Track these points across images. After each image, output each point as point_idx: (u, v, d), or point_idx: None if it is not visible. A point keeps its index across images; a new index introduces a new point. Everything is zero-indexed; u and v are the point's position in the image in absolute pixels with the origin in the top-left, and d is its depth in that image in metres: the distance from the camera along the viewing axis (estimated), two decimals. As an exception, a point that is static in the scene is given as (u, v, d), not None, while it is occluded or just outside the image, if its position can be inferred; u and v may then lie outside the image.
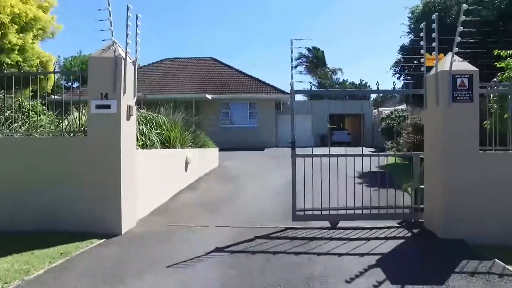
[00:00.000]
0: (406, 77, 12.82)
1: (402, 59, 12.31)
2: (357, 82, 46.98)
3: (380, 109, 25.61)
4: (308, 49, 42.19)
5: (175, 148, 8.50)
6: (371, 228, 5.45)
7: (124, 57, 4.80)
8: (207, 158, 11.27)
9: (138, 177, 5.36)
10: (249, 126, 22.85)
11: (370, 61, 76.68)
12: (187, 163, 8.43)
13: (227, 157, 15.96)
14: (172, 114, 10.67)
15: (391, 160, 14.89)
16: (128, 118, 4.91)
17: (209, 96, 21.39)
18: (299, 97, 61.48)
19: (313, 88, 43.94)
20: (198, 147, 11.16)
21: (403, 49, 11.77)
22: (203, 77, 24.87)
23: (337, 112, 26.19)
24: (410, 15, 12.81)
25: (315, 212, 5.65)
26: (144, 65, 27.44)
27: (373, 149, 20.81)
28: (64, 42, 62.69)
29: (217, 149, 13.21)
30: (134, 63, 5.17)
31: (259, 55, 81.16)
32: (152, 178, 6.25)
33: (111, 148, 4.68)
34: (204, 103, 22.47)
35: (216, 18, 79.53)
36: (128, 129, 4.98)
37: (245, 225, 5.55)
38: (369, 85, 47.14)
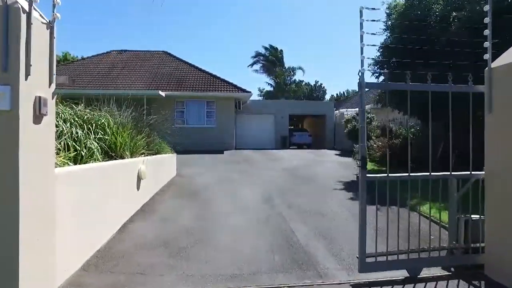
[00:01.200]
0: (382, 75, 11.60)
1: (381, 57, 11.04)
2: (312, 83, 46.62)
3: (341, 110, 24.75)
4: (266, 48, 40.84)
5: (124, 158, 6.30)
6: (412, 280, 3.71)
7: (29, 10, 2.59)
8: (163, 167, 9.09)
9: (61, 211, 3.22)
10: (206, 127, 20.68)
11: (330, 62, 77.62)
12: (139, 179, 6.26)
13: (185, 163, 13.75)
14: (119, 113, 8.43)
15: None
16: (37, 120, 2.75)
17: (162, 93, 18.90)
18: (255, 96, 60.12)
19: (268, 88, 43.12)
20: (153, 154, 8.95)
21: (386, 48, 10.48)
22: (155, 72, 22.22)
23: (297, 113, 24.90)
24: (388, 11, 11.62)
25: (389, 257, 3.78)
26: (87, 56, 24.19)
27: (337, 152, 19.80)
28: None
29: (174, 155, 11.03)
30: (49, 25, 2.96)
31: (215, 51, 78.64)
32: (88, 207, 4.08)
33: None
34: (157, 101, 19.86)
35: (168, 11, 75.63)
36: (38, 140, 2.82)
37: None
38: (323, 86, 47.03)
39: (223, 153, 18.14)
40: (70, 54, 31.61)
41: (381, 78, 11.84)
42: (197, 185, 9.02)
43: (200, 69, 22.92)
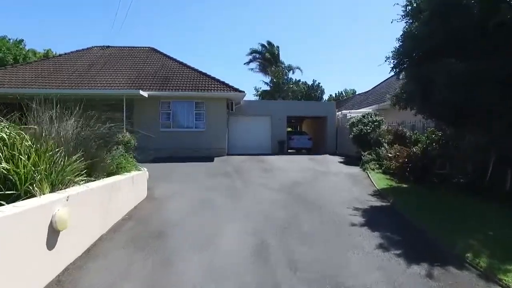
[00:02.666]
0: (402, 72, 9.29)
1: (401, 48, 8.72)
2: (309, 82, 44.26)
3: (343, 111, 22.44)
4: (262, 45, 38.45)
5: (33, 195, 3.99)
6: None
7: None
8: (121, 193, 6.72)
9: None
10: (195, 130, 18.34)
11: (326, 61, 75.23)
12: (55, 231, 3.94)
13: (165, 176, 11.48)
14: (58, 120, 6.24)
15: (377, 180, 11.47)
16: None
17: (144, 93, 16.54)
18: (251, 96, 57.61)
19: (264, 88, 40.78)
20: (106, 177, 6.64)
21: (411, 35, 8.13)
22: (139, 69, 19.83)
23: (296, 114, 22.57)
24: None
25: None
26: (65, 53, 21.77)
27: (340, 158, 17.53)
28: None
29: (144, 173, 8.69)
30: None
31: (206, 50, 76.15)
32: None
33: None
34: (140, 102, 17.59)
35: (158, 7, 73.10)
36: None
37: None
38: (321, 86, 44.72)
39: (213, 160, 15.85)
40: (52, 52, 29.15)
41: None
42: (166, 217, 6.70)
43: (188, 67, 20.56)
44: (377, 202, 7.88)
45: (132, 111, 18.20)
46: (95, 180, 5.83)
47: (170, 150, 17.71)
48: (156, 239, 5.34)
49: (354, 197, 8.29)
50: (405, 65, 8.70)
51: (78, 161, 5.30)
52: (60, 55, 21.65)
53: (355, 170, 12.84)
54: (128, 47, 22.73)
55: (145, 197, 8.36)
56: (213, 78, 19.36)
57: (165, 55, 21.97)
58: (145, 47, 22.87)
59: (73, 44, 75.30)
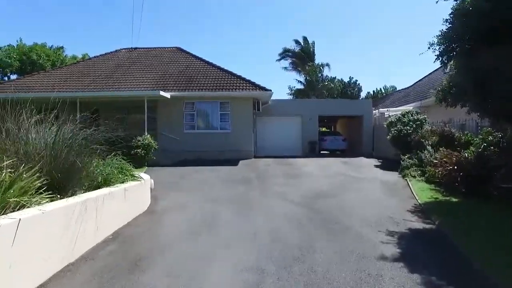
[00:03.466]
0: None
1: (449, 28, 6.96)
2: (345, 79, 41.93)
3: (381, 109, 20.40)
4: (296, 41, 36.73)
5: None
6: None
7: None
8: (104, 210, 5.62)
9: None
10: (220, 132, 17.32)
11: (364, 56, 71.90)
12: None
13: (178, 183, 10.49)
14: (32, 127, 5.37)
15: (419, 191, 9.66)
16: None
17: (165, 94, 15.77)
18: (281, 95, 56.11)
19: (298, 87, 39.11)
20: (90, 190, 5.68)
21: (464, 13, 6.39)
22: (164, 70, 19.20)
23: (329, 114, 20.85)
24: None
25: None
26: (94, 56, 21.69)
27: (377, 161, 15.67)
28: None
29: (144, 183, 7.64)
30: None
31: (237, 49, 75.62)
32: None
33: None
34: (164, 103, 16.89)
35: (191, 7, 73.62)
36: None
37: None
38: (358, 83, 42.21)
39: (237, 163, 14.70)
40: (88, 56, 29.57)
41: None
42: (156, 239, 5.60)
43: (214, 66, 19.61)
44: (418, 223, 6.24)
45: (156, 113, 17.59)
46: (63, 198, 4.86)
47: (194, 152, 16.85)
48: (131, 273, 4.21)
49: (389, 215, 6.70)
50: (455, 52, 6.93)
51: (34, 177, 4.32)
52: (89, 58, 21.58)
53: (393, 176, 11.07)
54: (155, 48, 22.27)
55: (145, 210, 7.33)
56: (239, 77, 18.25)
57: (191, 54, 21.22)
58: (172, 47, 22.28)
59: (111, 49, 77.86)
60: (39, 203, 4.37)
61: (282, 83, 77.97)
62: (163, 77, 18.36)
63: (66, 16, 62.89)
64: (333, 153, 20.48)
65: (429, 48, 7.37)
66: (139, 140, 14.35)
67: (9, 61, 22.94)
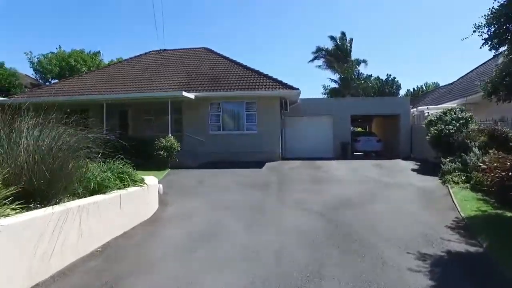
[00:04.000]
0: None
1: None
2: (383, 76, 39.63)
3: (420, 107, 18.67)
4: (331, 37, 35.14)
5: None
6: None
7: None
8: (91, 220, 5.03)
9: None
10: (246, 133, 16.61)
11: (403, 53, 68.36)
12: None
13: (194, 187, 9.93)
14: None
15: (463, 201, 8.34)
16: None
17: (188, 95, 15.34)
18: (315, 94, 54.35)
19: (333, 85, 37.53)
20: (82, 197, 5.18)
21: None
22: (190, 71, 18.88)
23: (362, 113, 19.40)
24: None
25: None
26: (125, 59, 21.89)
27: (415, 164, 14.17)
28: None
29: (149, 187, 7.07)
30: None
31: (270, 49, 74.74)
32: None
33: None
34: (189, 104, 16.52)
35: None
36: None
37: None
38: (397, 80, 39.77)
39: (262, 166, 13.92)
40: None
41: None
42: (146, 254, 4.95)
43: (240, 65, 18.98)
44: (459, 244, 5.07)
45: (182, 114, 17.28)
46: (44, 207, 4.36)
47: (220, 154, 16.31)
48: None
49: (423, 231, 5.57)
50: (509, 33, 5.65)
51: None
52: (119, 61, 21.84)
53: (432, 182, 9.71)
54: (183, 49, 22.08)
55: (148, 218, 6.76)
56: (265, 76, 17.46)
57: (218, 54, 20.75)
58: (199, 48, 21.96)
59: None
60: (7, 215, 3.88)
61: (315, 83, 75.84)
62: (188, 78, 18.04)
63: (102, 23, 65.51)
64: (367, 155, 19.07)
65: (474, 31, 6.14)
66: (162, 142, 14.03)
67: (50, 67, 23.94)
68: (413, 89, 42.29)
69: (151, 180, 7.90)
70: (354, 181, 10.40)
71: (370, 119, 24.49)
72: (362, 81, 33.51)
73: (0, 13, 48.72)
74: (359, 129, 29.47)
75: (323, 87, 37.94)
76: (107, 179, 5.91)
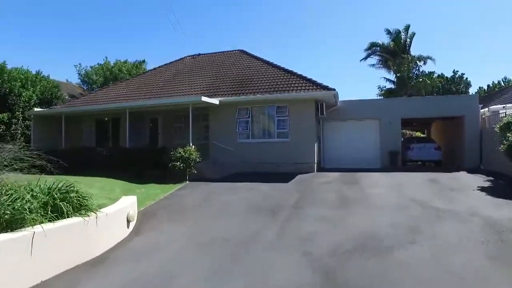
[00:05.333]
0: None
1: None
2: (448, 74, 34.56)
3: (492, 107, 14.97)
4: (388, 32, 31.41)
5: None
6: None
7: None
8: None
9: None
10: (277, 141, 14.60)
11: (466, 47, 60.69)
12: None
13: (195, 208, 8.27)
14: None
15: None
16: None
17: (212, 100, 13.85)
18: (360, 95, 49.71)
19: (389, 85, 33.59)
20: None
21: None
22: (221, 75, 17.44)
23: (416, 115, 16.13)
24: None
25: None
26: (159, 66, 21.28)
27: (484, 179, 10.90)
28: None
29: (109, 213, 5.48)
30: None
31: (319, 49, 71.20)
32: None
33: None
34: (215, 110, 15.06)
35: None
36: None
37: None
38: (466, 77, 34.44)
39: (290, 180, 11.85)
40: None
41: None
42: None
43: (273, 65, 17.07)
44: None
45: (209, 121, 15.88)
46: None
47: (248, 165, 14.54)
48: None
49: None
50: None
51: None
52: (154, 68, 21.28)
53: (510, 212, 6.81)
54: (217, 52, 20.81)
55: (93, 257, 5.14)
56: (298, 76, 15.35)
57: (252, 56, 19.07)
58: (235, 51, 20.50)
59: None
60: None
61: (370, 84, 69.91)
62: (215, 82, 16.61)
63: (146, 31, 67.93)
64: (422, 166, 15.84)
65: None
66: (179, 152, 12.65)
67: (95, 77, 24.50)
68: (488, 86, 36.19)
69: (123, 203, 6.38)
70: (393, 204, 7.82)
71: (428, 123, 20.74)
72: (421, 79, 29.26)
73: (59, 28, 52.98)
74: (418, 133, 25.63)
75: (378, 88, 34.18)
76: (23, 209, 4.40)
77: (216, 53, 20.99)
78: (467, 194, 8.79)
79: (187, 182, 12.44)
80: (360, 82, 70.05)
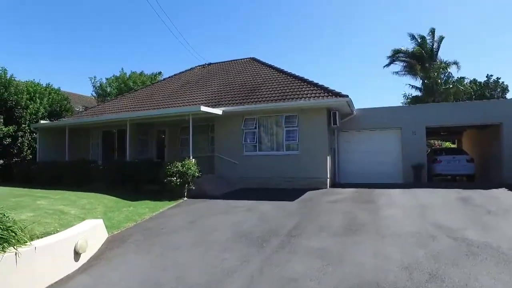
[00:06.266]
0: None
1: None
2: (481, 79, 31.79)
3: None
4: (412, 37, 29.57)
5: None
6: None
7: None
8: None
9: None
10: (285, 154, 13.23)
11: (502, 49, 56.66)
12: None
13: (174, 233, 7.05)
14: None
15: None
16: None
17: (214, 110, 12.77)
18: (379, 102, 46.72)
19: (415, 92, 31.35)
20: None
21: None
22: (228, 83, 16.40)
23: (443, 123, 14.17)
24: None
25: None
26: (169, 76, 20.60)
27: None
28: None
29: (40, 246, 4.34)
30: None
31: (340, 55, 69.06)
32: None
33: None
34: (220, 120, 14.00)
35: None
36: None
37: None
38: (502, 81, 31.55)
39: (296, 198, 10.47)
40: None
41: None
42: None
43: (284, 72, 15.83)
44: None
45: (213, 132, 14.81)
46: None
47: (254, 180, 13.32)
48: None
49: None
50: None
51: None
52: (164, 79, 20.62)
53: None
54: (228, 61, 19.85)
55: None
56: (310, 83, 14.01)
57: (264, 64, 17.93)
58: (246, 59, 19.47)
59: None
60: None
61: (393, 92, 66.09)
62: (221, 91, 15.56)
63: (163, 43, 68.60)
64: (451, 181, 13.86)
65: None
66: (176, 166, 11.55)
67: (109, 89, 24.27)
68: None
69: (74, 230, 5.28)
70: (412, 233, 6.21)
71: (459, 131, 18.50)
72: (452, 85, 26.90)
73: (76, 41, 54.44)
74: (447, 144, 23.27)
75: (403, 96, 31.99)
76: None
77: (226, 61, 20.05)
78: (510, 218, 7.02)
79: (185, 199, 11.33)
80: (383, 91, 67.07)
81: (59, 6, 58.56)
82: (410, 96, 32.09)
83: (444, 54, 47.59)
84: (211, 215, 8.66)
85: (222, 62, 20.07)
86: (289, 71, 15.78)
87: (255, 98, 13.88)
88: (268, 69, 16.85)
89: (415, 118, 13.76)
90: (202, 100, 14.95)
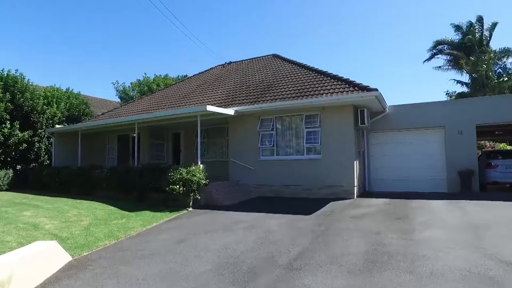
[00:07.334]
0: None
1: None
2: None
3: None
4: (457, 27, 26.53)
5: None
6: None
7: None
8: None
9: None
10: (306, 158, 11.55)
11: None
12: None
13: (153, 258, 5.58)
14: None
15: None
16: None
17: (225, 110, 11.43)
18: (417, 97, 41.98)
19: (460, 89, 27.90)
20: None
21: None
22: (244, 82, 15.03)
23: (497, 120, 11.52)
24: None
25: None
26: (189, 76, 19.66)
27: None
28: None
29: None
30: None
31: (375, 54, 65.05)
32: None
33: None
34: (236, 122, 12.66)
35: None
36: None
37: None
38: None
39: (315, 210, 8.87)
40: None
41: None
42: None
43: (304, 67, 14.16)
44: None
45: (227, 134, 13.48)
46: None
47: (271, 187, 11.83)
48: None
49: None
50: None
51: None
52: (182, 80, 19.68)
53: None
54: (249, 59, 18.48)
55: None
56: (333, 77, 12.24)
57: (285, 59, 16.33)
58: (268, 56, 17.98)
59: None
60: None
61: (434, 90, 60.60)
62: (236, 90, 14.20)
63: (190, 46, 68.62)
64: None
65: None
66: (180, 173, 10.30)
67: (132, 93, 23.94)
68: None
69: (5, 258, 4.09)
70: (461, 271, 4.32)
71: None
72: (506, 78, 23.44)
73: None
74: (502, 145, 20.05)
75: (446, 94, 28.71)
76: None
77: (247, 59, 18.69)
78: None
79: (189, 209, 10.07)
80: (420, 90, 62.07)
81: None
82: (454, 94, 28.66)
83: (496, 44, 42.84)
84: (205, 233, 7.24)
85: (242, 61, 18.75)
86: (310, 66, 14.06)
87: (271, 96, 12.34)
88: (288, 64, 15.24)
89: (462, 114, 11.44)
90: (216, 100, 13.68)
